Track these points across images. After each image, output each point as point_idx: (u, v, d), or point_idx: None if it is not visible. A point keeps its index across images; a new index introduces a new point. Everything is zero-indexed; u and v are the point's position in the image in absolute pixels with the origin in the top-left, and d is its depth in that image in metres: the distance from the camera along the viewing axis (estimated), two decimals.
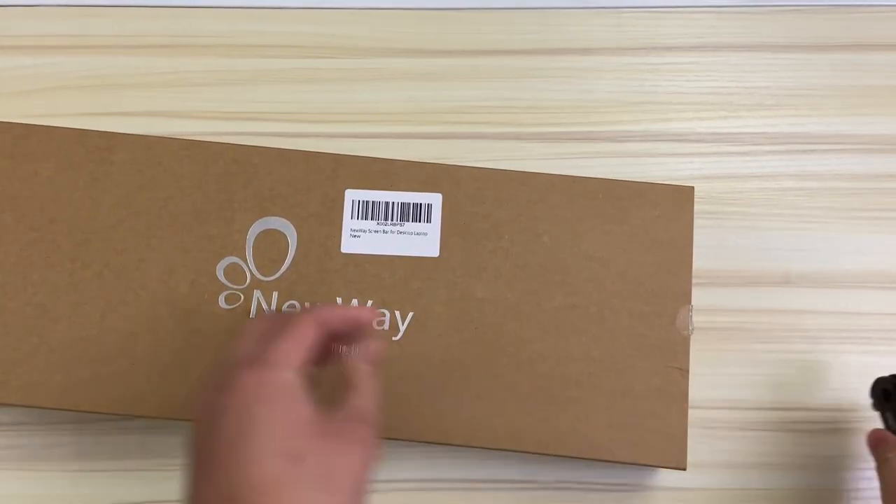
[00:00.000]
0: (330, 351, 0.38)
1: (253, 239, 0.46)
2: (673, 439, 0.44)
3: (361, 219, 0.46)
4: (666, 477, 0.48)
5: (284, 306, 0.45)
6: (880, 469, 0.42)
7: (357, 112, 0.55)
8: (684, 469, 0.44)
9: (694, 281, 0.46)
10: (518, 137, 0.55)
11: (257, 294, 0.45)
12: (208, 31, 0.56)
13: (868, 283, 0.52)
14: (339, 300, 0.45)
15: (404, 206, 0.47)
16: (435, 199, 0.47)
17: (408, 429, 0.44)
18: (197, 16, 0.57)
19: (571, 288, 0.46)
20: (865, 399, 0.45)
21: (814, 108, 0.56)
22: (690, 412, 0.45)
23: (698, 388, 0.48)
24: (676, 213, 0.47)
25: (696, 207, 0.47)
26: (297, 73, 0.56)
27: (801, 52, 0.57)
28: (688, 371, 0.44)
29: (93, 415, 0.48)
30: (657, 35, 0.57)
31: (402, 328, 0.45)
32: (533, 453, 0.44)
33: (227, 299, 0.45)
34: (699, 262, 0.47)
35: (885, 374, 0.45)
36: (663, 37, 0.57)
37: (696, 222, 0.47)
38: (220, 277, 0.45)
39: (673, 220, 0.47)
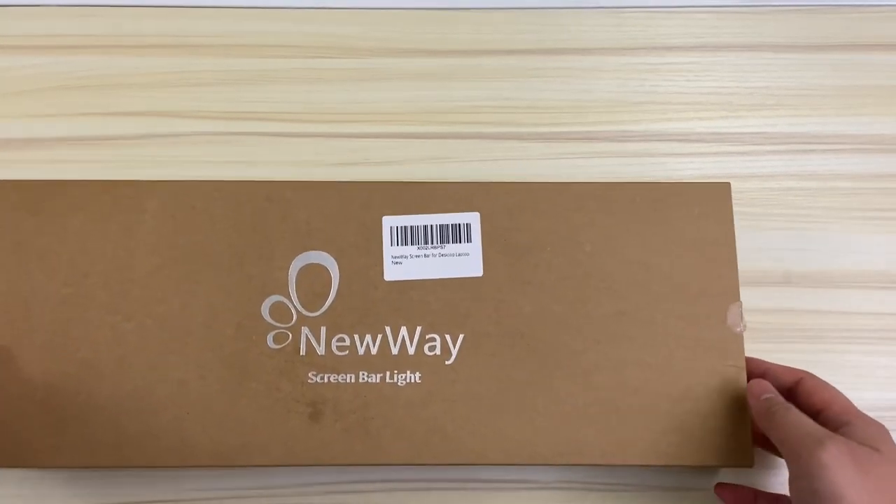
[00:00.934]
0: None
1: (295, 275, 0.45)
2: (737, 437, 0.43)
3: (401, 245, 0.46)
4: (665, 477, 0.48)
5: (333, 340, 0.45)
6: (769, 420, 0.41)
7: (357, 112, 0.55)
8: (751, 466, 0.43)
9: None
10: (518, 137, 0.55)
11: (305, 330, 0.45)
12: (208, 31, 0.56)
13: (868, 283, 0.52)
14: (387, 329, 0.45)
15: (443, 228, 0.46)
16: (473, 218, 0.46)
17: (470, 452, 0.43)
18: (197, 16, 0.57)
19: (618, 294, 0.45)
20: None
21: (814, 108, 0.56)
22: None
23: None
24: (715, 211, 0.46)
25: None
26: (297, 73, 0.56)
27: (801, 52, 0.57)
28: (744, 368, 0.44)
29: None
30: (657, 35, 0.57)
31: (455, 351, 0.45)
32: (600, 465, 0.44)
33: (275, 339, 0.45)
34: None
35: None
36: (663, 37, 0.57)
37: None
38: (265, 317, 0.45)
39: (712, 218, 0.46)
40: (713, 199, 0.47)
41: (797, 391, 0.43)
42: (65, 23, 0.56)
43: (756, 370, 0.45)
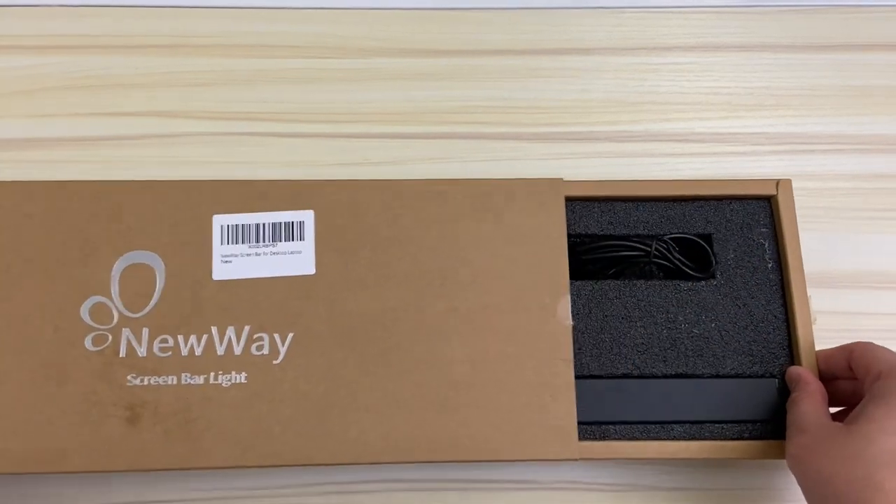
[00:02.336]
0: None
1: (118, 275, 0.44)
2: (563, 431, 0.43)
3: (232, 243, 0.45)
4: (666, 476, 0.48)
5: (156, 342, 0.43)
6: (788, 406, 0.43)
7: (357, 112, 0.55)
8: (577, 460, 0.43)
9: None
10: (518, 137, 0.55)
11: (126, 332, 0.43)
12: (208, 31, 0.56)
13: (868, 283, 0.52)
14: (213, 329, 0.44)
15: (275, 227, 0.45)
16: (307, 216, 0.46)
17: (296, 453, 0.42)
18: (197, 16, 0.57)
19: (451, 291, 0.45)
20: None
21: (814, 108, 0.56)
22: None
23: None
24: (547, 206, 0.46)
25: None
26: (296, 73, 0.56)
27: (801, 52, 0.57)
28: (572, 361, 0.44)
29: None
30: (657, 35, 0.57)
31: (283, 351, 0.44)
32: (425, 462, 0.43)
33: (94, 341, 0.43)
34: None
35: None
36: (663, 37, 0.57)
37: None
38: (84, 319, 0.43)
39: (544, 214, 0.46)
40: (546, 194, 0.46)
41: (852, 366, 0.43)
42: (65, 23, 0.56)
43: (822, 362, 0.45)
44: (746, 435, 0.44)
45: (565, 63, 0.56)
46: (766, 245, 0.47)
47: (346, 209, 0.46)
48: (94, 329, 0.43)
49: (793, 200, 0.47)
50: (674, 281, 0.47)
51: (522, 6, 0.57)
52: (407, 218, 0.46)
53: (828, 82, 0.56)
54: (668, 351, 0.46)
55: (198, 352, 0.43)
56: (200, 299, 0.44)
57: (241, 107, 0.55)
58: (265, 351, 0.44)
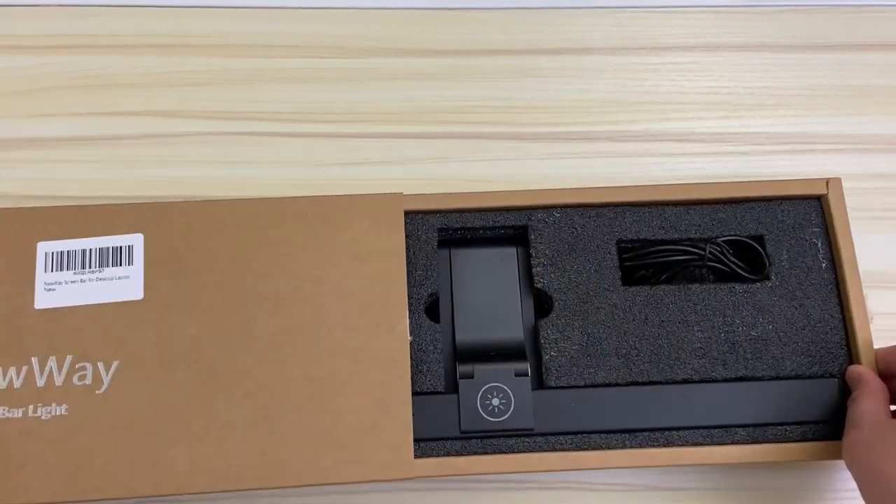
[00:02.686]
0: None
1: None
2: (398, 449, 0.42)
3: (56, 270, 0.44)
4: (665, 477, 0.48)
5: None
6: (848, 403, 0.43)
7: (356, 112, 0.55)
8: (412, 478, 0.42)
9: None
10: (518, 137, 0.55)
11: None
12: (206, 31, 0.56)
13: (868, 283, 0.52)
14: (34, 360, 0.42)
15: (102, 252, 0.44)
16: (136, 240, 0.45)
17: (117, 487, 0.41)
18: (195, 15, 0.57)
19: (285, 311, 0.44)
20: None
21: (814, 108, 0.56)
22: None
23: None
24: (386, 222, 0.45)
25: None
26: (295, 73, 0.56)
27: (801, 52, 0.57)
28: (409, 378, 0.43)
29: None
30: (657, 35, 0.57)
31: (107, 380, 0.42)
32: (256, 489, 0.42)
33: None
34: None
35: None
36: (663, 37, 0.57)
37: None
38: None
39: (384, 229, 0.45)
40: (385, 210, 0.46)
41: None
42: (65, 23, 0.57)
43: (880, 361, 0.45)
44: (810, 436, 0.44)
45: (564, 63, 0.56)
46: (819, 244, 0.47)
47: (179, 231, 0.45)
48: None
49: (843, 199, 0.47)
50: (729, 284, 0.46)
51: (520, 6, 0.57)
52: (242, 238, 0.45)
53: (827, 82, 0.56)
54: (727, 354, 0.45)
55: (17, 384, 0.42)
56: (20, 329, 0.43)
57: (238, 106, 0.55)
58: (88, 381, 0.42)
